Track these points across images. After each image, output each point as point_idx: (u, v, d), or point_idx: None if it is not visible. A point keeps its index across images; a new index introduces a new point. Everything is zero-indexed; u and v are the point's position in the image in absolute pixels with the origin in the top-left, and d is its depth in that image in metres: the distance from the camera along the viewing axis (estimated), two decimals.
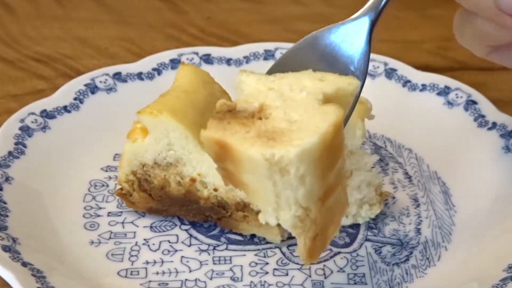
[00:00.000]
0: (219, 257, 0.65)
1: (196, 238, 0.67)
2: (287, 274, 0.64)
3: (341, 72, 0.55)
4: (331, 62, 0.58)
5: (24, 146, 0.71)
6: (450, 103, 0.79)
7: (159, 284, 0.62)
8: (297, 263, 0.65)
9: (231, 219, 0.66)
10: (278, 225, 0.63)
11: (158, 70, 0.82)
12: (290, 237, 0.67)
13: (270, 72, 0.57)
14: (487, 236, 0.66)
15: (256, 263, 0.65)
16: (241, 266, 0.64)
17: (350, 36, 0.58)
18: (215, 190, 0.65)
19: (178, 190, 0.67)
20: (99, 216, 0.69)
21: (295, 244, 0.66)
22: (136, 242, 0.66)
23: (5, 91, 0.86)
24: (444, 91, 0.80)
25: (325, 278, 0.64)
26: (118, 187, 0.69)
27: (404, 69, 0.83)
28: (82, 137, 0.75)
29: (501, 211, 0.68)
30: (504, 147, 0.73)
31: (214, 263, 0.65)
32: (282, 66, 0.57)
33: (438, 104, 0.80)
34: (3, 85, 0.87)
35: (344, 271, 0.64)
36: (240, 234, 0.67)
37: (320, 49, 0.58)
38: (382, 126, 0.79)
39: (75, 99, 0.77)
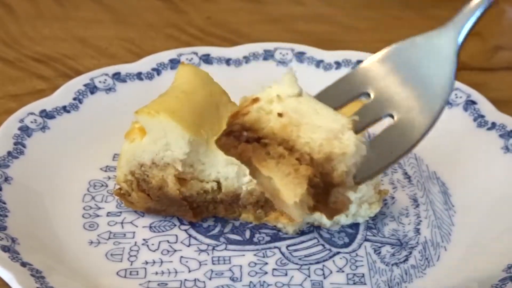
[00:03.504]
0: (218, 257, 0.65)
1: (195, 238, 0.67)
2: (286, 274, 0.64)
3: (419, 92, 0.56)
4: (411, 77, 0.57)
5: (23, 146, 0.71)
6: (449, 103, 0.79)
7: (158, 284, 0.62)
8: (296, 263, 0.65)
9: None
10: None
11: (157, 70, 0.82)
12: (290, 237, 0.67)
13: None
14: (486, 236, 0.66)
15: (255, 263, 0.65)
16: (240, 266, 0.64)
17: (433, 53, 0.57)
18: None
19: (176, 191, 0.66)
20: (98, 216, 0.69)
21: (294, 244, 0.67)
22: (135, 242, 0.66)
23: (5, 91, 0.86)
24: None
25: (324, 278, 0.64)
26: (117, 187, 0.69)
27: None
28: (81, 137, 0.75)
29: (500, 211, 0.68)
30: (503, 147, 0.73)
31: (213, 263, 0.65)
32: (359, 76, 0.59)
33: None
34: (3, 85, 0.87)
35: (343, 271, 0.64)
36: (240, 234, 0.67)
37: (401, 62, 0.59)
38: (381, 126, 0.78)
39: (74, 99, 0.77)
